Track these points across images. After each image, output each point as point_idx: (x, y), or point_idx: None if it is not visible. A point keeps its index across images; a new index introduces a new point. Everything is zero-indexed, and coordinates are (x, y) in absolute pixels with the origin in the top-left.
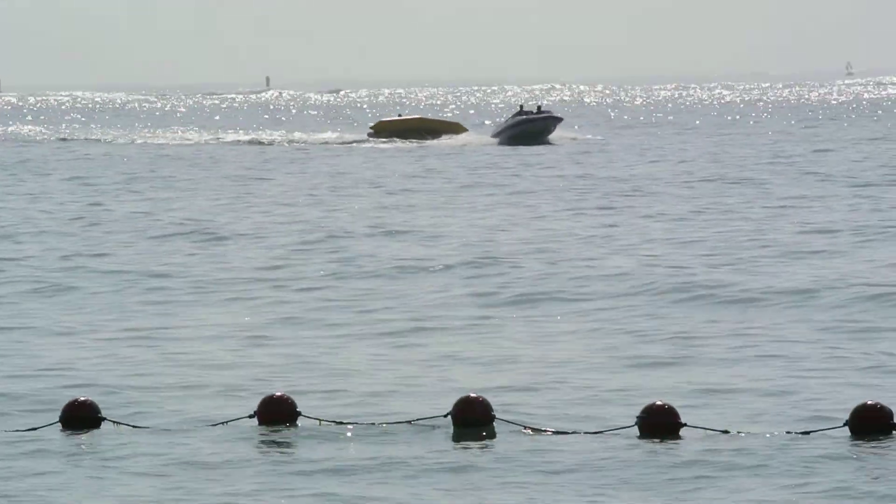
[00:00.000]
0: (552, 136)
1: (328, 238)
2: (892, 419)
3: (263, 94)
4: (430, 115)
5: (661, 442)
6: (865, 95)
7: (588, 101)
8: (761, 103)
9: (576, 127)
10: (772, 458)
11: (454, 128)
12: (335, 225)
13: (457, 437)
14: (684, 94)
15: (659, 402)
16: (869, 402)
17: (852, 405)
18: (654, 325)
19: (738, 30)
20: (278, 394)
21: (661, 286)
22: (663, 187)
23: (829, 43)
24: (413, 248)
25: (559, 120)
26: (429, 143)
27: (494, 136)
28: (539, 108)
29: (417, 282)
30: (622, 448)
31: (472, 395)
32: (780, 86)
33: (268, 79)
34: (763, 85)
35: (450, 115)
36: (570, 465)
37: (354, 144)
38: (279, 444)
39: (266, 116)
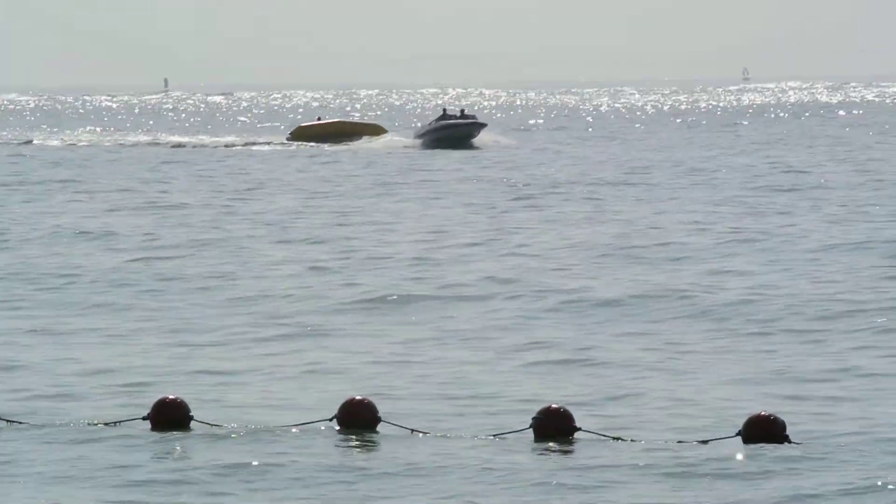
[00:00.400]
0: (475, 141)
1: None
2: (784, 430)
3: (154, 96)
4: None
5: (554, 446)
6: (759, 101)
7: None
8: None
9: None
10: (659, 466)
11: (374, 130)
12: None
13: (342, 441)
14: (584, 100)
15: (554, 406)
16: (763, 413)
17: (746, 415)
18: (550, 331)
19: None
20: (171, 397)
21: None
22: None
23: (727, 50)
24: (300, 249)
25: (483, 125)
26: (348, 146)
27: (417, 137)
28: (462, 112)
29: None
30: (516, 451)
31: (358, 397)
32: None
33: (166, 80)
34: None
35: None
36: (461, 468)
37: (255, 148)
38: (171, 447)
39: (151, 121)
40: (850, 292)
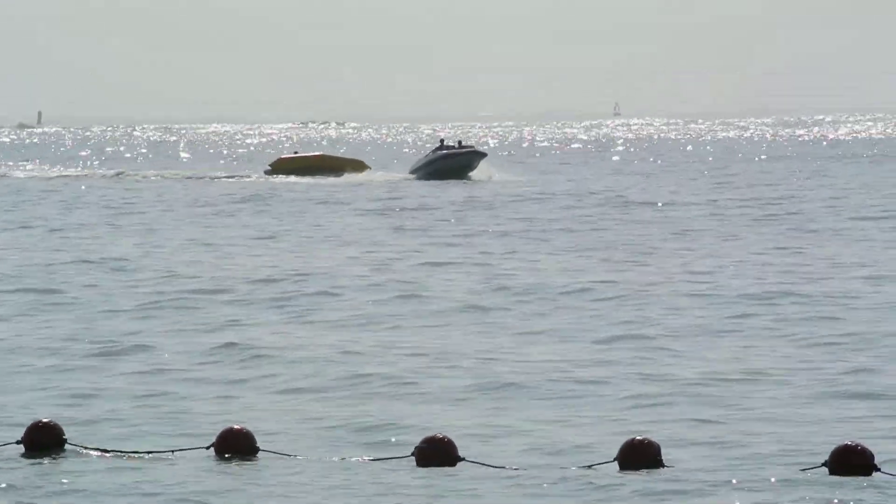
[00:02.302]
0: (474, 173)
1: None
2: (659, 455)
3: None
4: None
5: (438, 474)
6: (630, 135)
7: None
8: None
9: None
10: (544, 493)
11: (355, 165)
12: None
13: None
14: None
15: (439, 435)
16: (637, 439)
17: (622, 441)
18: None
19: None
20: (45, 420)
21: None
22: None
23: (600, 84)
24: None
25: (483, 155)
26: (329, 180)
27: (412, 171)
28: (460, 143)
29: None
30: (402, 478)
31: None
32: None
33: (39, 114)
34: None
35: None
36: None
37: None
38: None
39: None
40: None
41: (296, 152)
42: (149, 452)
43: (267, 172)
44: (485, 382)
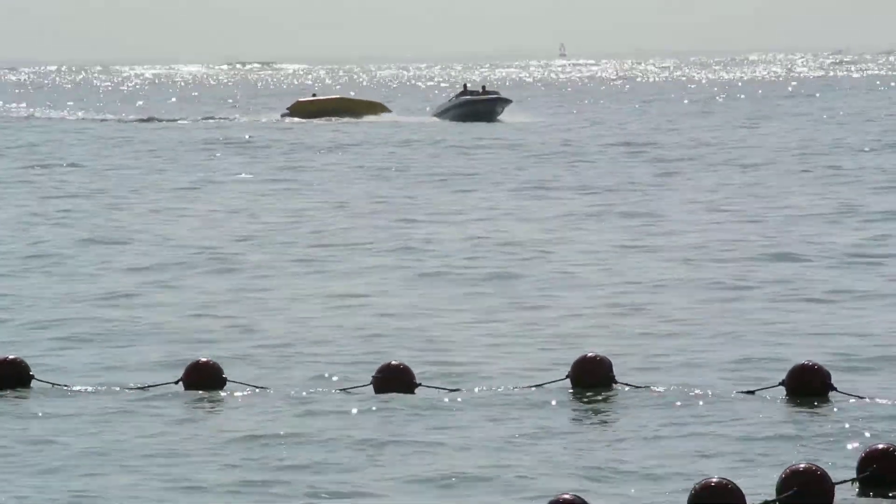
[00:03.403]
0: (501, 118)
1: None
2: (611, 371)
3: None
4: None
5: (396, 400)
6: (576, 75)
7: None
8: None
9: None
10: (495, 411)
11: (375, 108)
12: None
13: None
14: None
15: (394, 362)
16: (589, 355)
17: (574, 358)
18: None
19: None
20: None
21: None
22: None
23: (545, 24)
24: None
25: (507, 101)
26: (351, 121)
27: (436, 115)
28: (484, 88)
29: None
30: (357, 405)
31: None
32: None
33: None
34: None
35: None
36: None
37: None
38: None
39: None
40: None
41: (314, 95)
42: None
43: (284, 115)
44: None
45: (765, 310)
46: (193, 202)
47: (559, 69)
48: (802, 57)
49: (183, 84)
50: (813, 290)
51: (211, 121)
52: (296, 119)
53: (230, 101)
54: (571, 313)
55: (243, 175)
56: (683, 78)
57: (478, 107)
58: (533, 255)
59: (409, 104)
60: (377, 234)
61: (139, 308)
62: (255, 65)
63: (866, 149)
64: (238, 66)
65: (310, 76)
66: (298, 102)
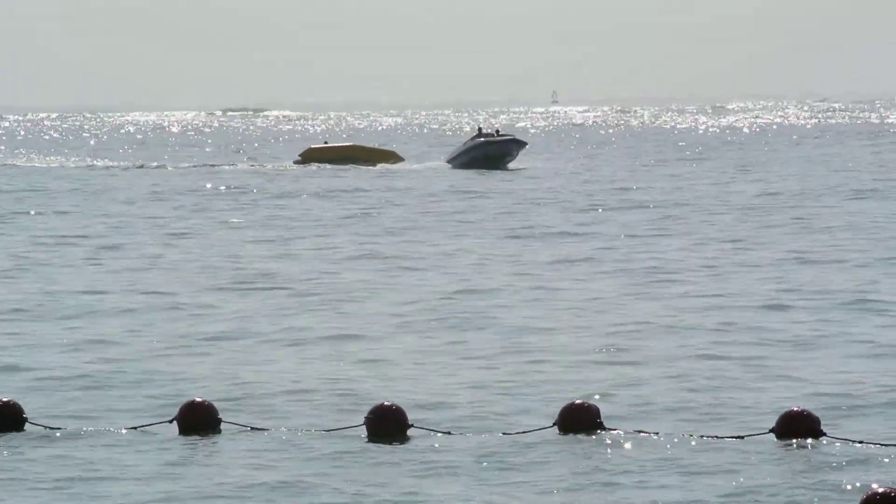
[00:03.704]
0: (513, 164)
1: None
2: (598, 417)
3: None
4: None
5: (388, 443)
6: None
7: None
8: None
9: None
10: (488, 458)
11: (388, 157)
12: None
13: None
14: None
15: (387, 403)
16: (577, 402)
17: (560, 406)
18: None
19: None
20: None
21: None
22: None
23: (539, 75)
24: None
25: (523, 144)
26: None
27: (449, 160)
28: (497, 131)
29: None
30: (351, 447)
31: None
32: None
33: None
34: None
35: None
36: (300, 459)
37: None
38: None
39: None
40: None
41: (326, 142)
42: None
43: (297, 162)
44: None
45: (752, 356)
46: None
47: (552, 114)
48: (798, 104)
49: (176, 131)
50: (800, 336)
51: (224, 167)
52: (311, 166)
53: (232, 146)
54: (559, 357)
55: (234, 220)
56: (684, 125)
57: (492, 149)
58: (519, 299)
59: (416, 150)
60: (365, 278)
61: (129, 350)
62: (248, 112)
63: None
64: (229, 113)
65: (310, 123)
66: (311, 149)
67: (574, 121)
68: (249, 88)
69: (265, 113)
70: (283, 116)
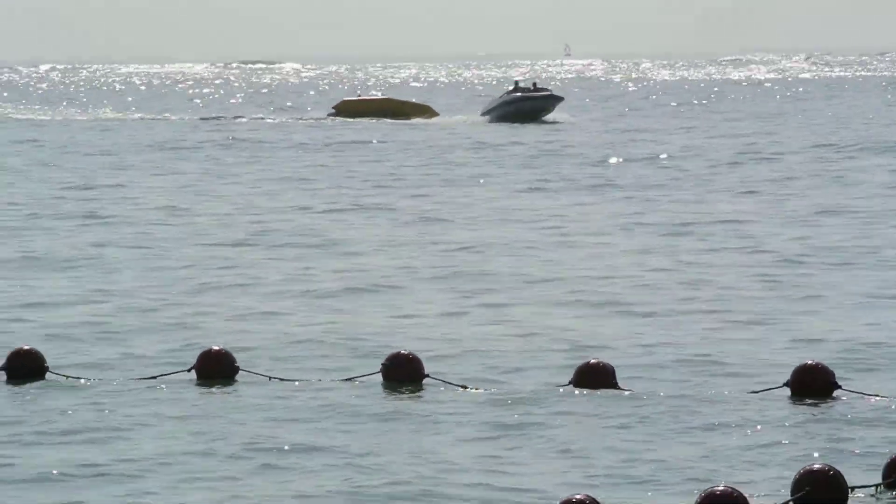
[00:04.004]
0: (549, 117)
1: None
2: (614, 378)
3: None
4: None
5: (404, 391)
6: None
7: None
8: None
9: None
10: (501, 413)
11: (423, 110)
12: None
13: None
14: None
15: (404, 352)
16: (592, 361)
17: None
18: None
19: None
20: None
21: None
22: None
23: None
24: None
25: (559, 99)
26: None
27: (484, 114)
28: (535, 85)
29: None
30: (366, 394)
31: (215, 348)
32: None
33: None
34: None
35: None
36: (315, 408)
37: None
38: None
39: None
40: None
41: (359, 94)
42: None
43: (331, 115)
44: None
45: (765, 310)
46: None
47: (565, 68)
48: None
49: (193, 83)
50: (812, 290)
51: (267, 120)
52: (342, 118)
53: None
54: (573, 315)
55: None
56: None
57: (529, 104)
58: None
59: (449, 103)
60: (391, 232)
61: (144, 301)
62: (261, 65)
63: None
64: (240, 65)
65: (324, 77)
66: (345, 102)
67: (585, 75)
68: (252, 40)
69: (278, 65)
70: (294, 69)
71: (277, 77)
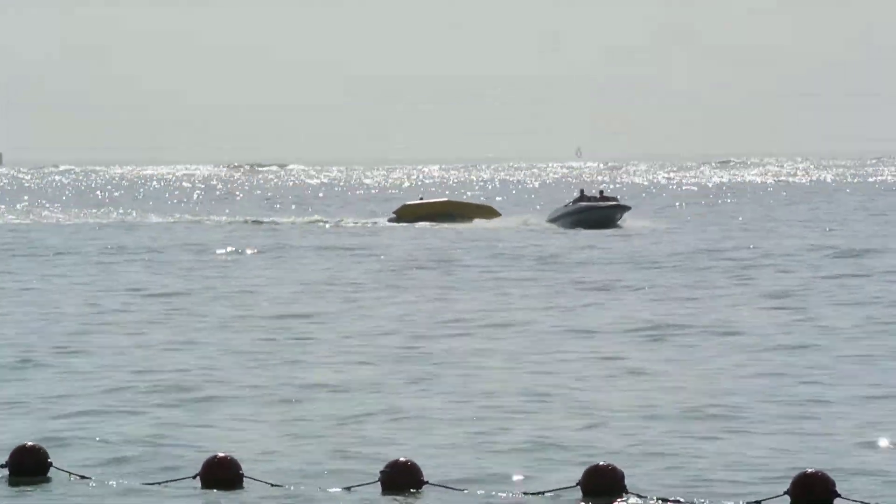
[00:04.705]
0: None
1: None
2: (623, 481)
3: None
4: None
5: (403, 498)
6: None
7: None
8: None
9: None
10: None
11: (485, 212)
12: None
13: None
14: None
15: (402, 459)
16: (601, 464)
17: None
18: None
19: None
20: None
21: None
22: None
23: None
24: None
25: (626, 209)
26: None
27: (551, 221)
28: (601, 193)
29: None
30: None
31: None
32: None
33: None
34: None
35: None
36: None
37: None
38: None
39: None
40: None
41: (421, 198)
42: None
43: (391, 220)
44: None
45: (767, 415)
46: None
47: (582, 170)
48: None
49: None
50: (812, 394)
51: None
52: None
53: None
54: (582, 414)
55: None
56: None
57: (596, 214)
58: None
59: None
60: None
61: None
62: (273, 167)
63: None
64: (247, 167)
65: (343, 177)
66: (406, 206)
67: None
68: (251, 143)
69: (289, 167)
70: (304, 171)
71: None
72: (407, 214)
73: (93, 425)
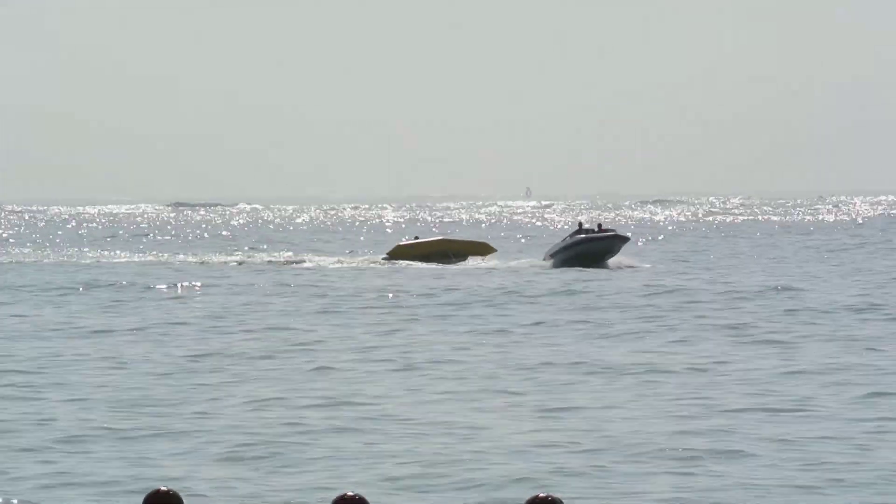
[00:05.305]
0: (612, 261)
1: None
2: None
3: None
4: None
5: None
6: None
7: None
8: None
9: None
10: None
11: (481, 249)
12: None
13: None
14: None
15: (350, 493)
16: (541, 495)
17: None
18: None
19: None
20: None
21: None
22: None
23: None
24: None
25: (625, 240)
26: (452, 266)
27: (548, 257)
28: (600, 226)
29: None
30: None
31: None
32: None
33: None
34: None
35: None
36: None
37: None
38: None
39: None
40: None
41: (416, 237)
42: None
43: (385, 260)
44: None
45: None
46: None
47: (529, 211)
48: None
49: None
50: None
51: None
52: (398, 263)
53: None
54: (538, 445)
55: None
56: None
57: (596, 245)
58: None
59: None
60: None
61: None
62: (203, 206)
63: None
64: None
65: (301, 215)
66: (399, 246)
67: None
68: (184, 182)
69: (238, 206)
70: (253, 208)
71: (252, 218)
72: (400, 255)
73: None
